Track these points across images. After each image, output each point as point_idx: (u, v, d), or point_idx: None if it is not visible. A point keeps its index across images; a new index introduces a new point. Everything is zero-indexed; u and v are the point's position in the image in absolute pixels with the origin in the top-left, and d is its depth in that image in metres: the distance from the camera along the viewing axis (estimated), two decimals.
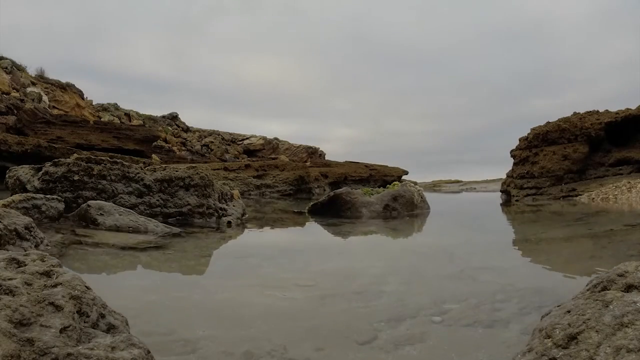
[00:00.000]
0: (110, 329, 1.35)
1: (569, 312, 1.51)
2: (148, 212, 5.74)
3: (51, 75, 24.19)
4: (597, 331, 1.28)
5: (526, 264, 3.74)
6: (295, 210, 9.65)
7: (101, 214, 4.75)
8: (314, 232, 6.31)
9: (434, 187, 34.67)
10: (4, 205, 4.13)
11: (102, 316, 1.38)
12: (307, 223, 7.21)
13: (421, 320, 1.98)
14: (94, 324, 1.31)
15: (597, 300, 1.44)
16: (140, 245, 3.88)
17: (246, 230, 5.87)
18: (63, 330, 1.14)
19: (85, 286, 1.45)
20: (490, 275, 3.00)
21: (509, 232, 6.68)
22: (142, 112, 31.40)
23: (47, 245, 3.39)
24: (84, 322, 1.28)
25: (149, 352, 1.22)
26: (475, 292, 2.47)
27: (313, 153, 36.66)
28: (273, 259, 3.88)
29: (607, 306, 1.36)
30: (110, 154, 12.63)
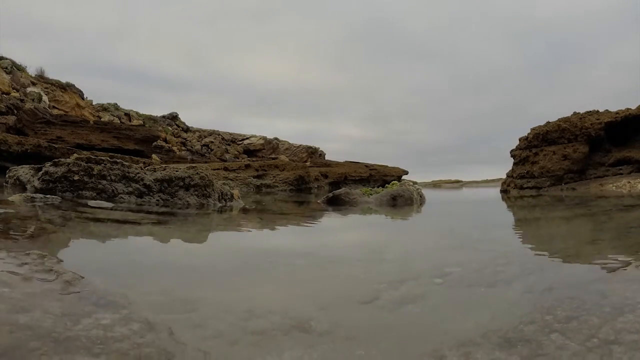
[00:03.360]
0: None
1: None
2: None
3: (73, 72, 24.21)
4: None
5: (526, 236, 3.80)
6: (296, 200, 9.68)
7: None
8: (314, 214, 6.34)
9: (434, 186, 34.67)
10: None
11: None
12: (308, 207, 7.24)
13: (423, 281, 1.98)
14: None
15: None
16: (140, 220, 3.89)
17: (247, 213, 5.90)
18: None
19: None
20: (491, 245, 3.01)
21: (508, 215, 6.74)
22: (142, 112, 31.42)
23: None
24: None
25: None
26: (477, 258, 2.48)
27: (313, 153, 36.63)
28: (273, 232, 3.92)
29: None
30: (110, 154, 12.63)
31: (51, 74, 24.52)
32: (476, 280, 1.98)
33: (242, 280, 2.04)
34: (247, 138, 35.29)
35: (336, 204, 7.81)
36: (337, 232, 4.20)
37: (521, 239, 3.61)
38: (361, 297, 1.75)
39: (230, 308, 1.58)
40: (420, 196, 8.97)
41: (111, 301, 1.40)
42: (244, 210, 6.20)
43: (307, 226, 4.59)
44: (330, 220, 5.33)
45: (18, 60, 22.77)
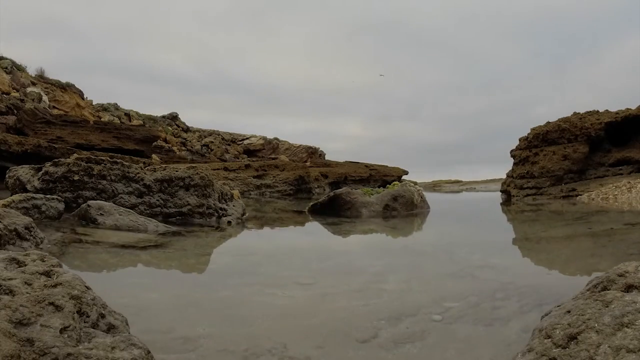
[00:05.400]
0: (110, 328, 1.35)
1: (569, 312, 1.51)
2: (148, 212, 5.74)
3: (83, 71, 24.21)
4: (597, 331, 1.28)
5: (526, 263, 3.75)
6: (295, 210, 9.66)
7: (101, 214, 4.75)
8: (313, 231, 6.32)
9: (434, 187, 34.65)
10: (4, 205, 4.13)
11: (102, 316, 1.38)
12: (307, 222, 7.23)
13: (421, 318, 1.99)
14: (94, 324, 1.31)
15: (597, 300, 1.43)
16: (140, 243, 3.89)
17: (246, 229, 5.89)
18: (63, 330, 1.14)
19: (85, 286, 1.45)
20: (490, 274, 3.00)
21: (509, 231, 6.69)
22: (143, 111, 31.42)
23: (47, 244, 3.39)
24: (84, 322, 1.28)
25: (149, 352, 1.22)
26: (476, 290, 2.48)
27: (313, 153, 36.64)
28: (273, 257, 3.89)
29: (607, 306, 1.36)
30: (110, 154, 12.63)
31: (52, 73, 24.54)
32: (474, 317, 1.98)
33: (241, 315, 2.04)
34: (247, 138, 35.30)
35: (337, 204, 7.81)
36: (336, 256, 4.16)
37: (520, 266, 3.57)
38: (359, 335, 1.75)
39: (230, 346, 1.59)
40: (421, 197, 8.96)
41: None
42: (243, 224, 6.21)
43: (306, 248, 4.56)
44: (329, 243, 5.28)
45: (24, 58, 22.81)
